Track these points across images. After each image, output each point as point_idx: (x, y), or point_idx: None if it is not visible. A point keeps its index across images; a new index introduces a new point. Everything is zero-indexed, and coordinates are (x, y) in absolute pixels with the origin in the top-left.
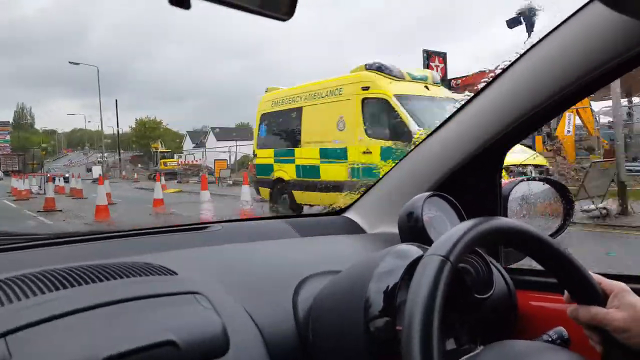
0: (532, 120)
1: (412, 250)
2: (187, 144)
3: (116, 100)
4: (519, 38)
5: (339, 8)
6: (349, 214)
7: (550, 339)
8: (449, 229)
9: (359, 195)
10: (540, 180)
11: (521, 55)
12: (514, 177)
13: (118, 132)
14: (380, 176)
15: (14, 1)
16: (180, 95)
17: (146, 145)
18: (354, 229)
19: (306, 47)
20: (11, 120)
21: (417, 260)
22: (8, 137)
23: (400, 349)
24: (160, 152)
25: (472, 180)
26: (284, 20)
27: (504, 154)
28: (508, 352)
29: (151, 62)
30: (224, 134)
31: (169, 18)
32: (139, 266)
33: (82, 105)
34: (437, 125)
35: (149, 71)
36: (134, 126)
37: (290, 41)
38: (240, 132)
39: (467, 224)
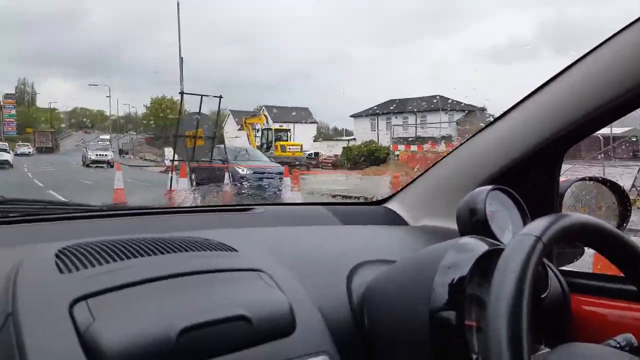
0: (598, 118)
1: (478, 243)
2: (230, 126)
3: (181, 58)
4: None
5: None
6: (390, 205)
7: (618, 345)
8: (510, 226)
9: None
10: (599, 181)
11: (593, 49)
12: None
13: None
14: (426, 169)
15: None
16: (174, 80)
17: (163, 126)
18: (395, 220)
19: (300, 36)
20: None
21: (485, 255)
22: (14, 112)
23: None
24: (276, 130)
25: (529, 177)
26: None
27: (565, 151)
28: (581, 355)
29: (145, 46)
30: (281, 114)
31: (165, 3)
32: (199, 241)
33: (81, 85)
34: (493, 119)
35: (142, 55)
36: (148, 105)
37: (285, 29)
38: (299, 113)
39: (561, 214)
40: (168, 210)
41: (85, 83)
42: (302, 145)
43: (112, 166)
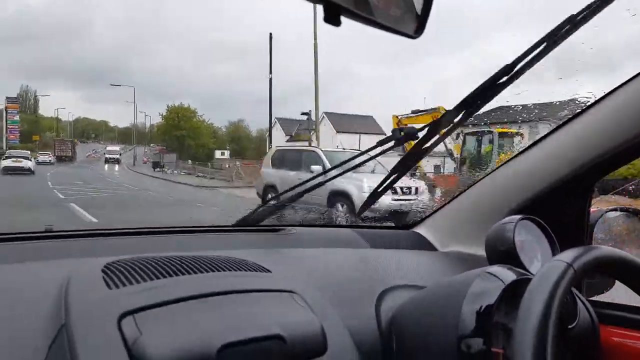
0: (631, 149)
1: (507, 272)
2: (277, 137)
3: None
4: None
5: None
6: (419, 229)
7: None
8: (539, 255)
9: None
10: (631, 212)
11: (628, 80)
12: None
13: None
14: (455, 194)
15: None
16: (173, 94)
17: (179, 138)
18: (424, 245)
19: (300, 51)
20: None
21: (513, 284)
22: (17, 118)
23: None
24: (501, 134)
25: (560, 206)
26: (413, 38)
27: (596, 181)
28: None
29: (147, 60)
30: (342, 122)
31: (168, 16)
32: (236, 261)
33: (82, 97)
34: (524, 147)
35: (144, 69)
36: (164, 114)
37: (285, 44)
38: (363, 122)
39: (592, 246)
40: (205, 229)
41: (86, 95)
42: None
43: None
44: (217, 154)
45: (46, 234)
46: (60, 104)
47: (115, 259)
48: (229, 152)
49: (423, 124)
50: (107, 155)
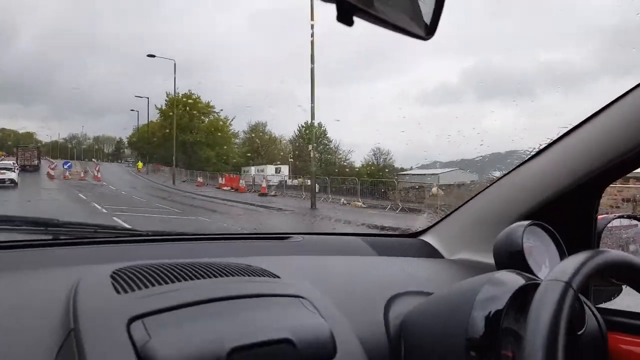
0: (637, 157)
1: (515, 278)
2: None
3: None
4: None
5: (284, 34)
6: (426, 237)
7: None
8: (547, 261)
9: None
10: (638, 218)
11: (632, 88)
12: None
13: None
14: (462, 203)
15: None
16: (102, 109)
17: (190, 146)
18: (431, 253)
19: (242, 71)
20: None
21: (521, 289)
22: None
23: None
24: None
25: (567, 213)
26: (425, 39)
27: (603, 188)
28: None
29: (74, 74)
30: None
31: (98, 30)
32: (243, 267)
33: None
34: (530, 155)
35: (70, 83)
36: (162, 107)
37: (228, 64)
38: None
39: (588, 252)
40: (214, 236)
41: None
42: None
43: None
44: (270, 169)
45: (54, 241)
46: None
47: (125, 264)
48: (288, 167)
49: None
50: None
